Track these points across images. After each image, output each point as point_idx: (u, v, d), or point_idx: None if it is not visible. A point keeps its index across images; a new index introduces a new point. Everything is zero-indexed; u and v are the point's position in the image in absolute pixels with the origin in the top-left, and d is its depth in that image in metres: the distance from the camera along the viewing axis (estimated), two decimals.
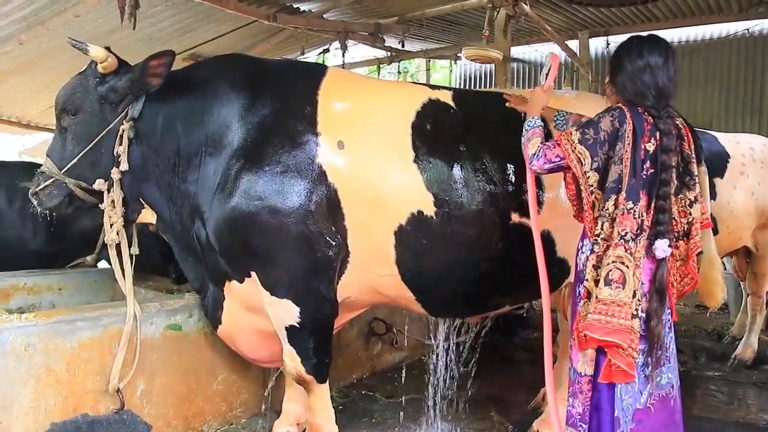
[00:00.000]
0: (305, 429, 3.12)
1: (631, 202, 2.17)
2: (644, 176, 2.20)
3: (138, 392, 2.93)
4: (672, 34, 8.33)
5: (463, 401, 3.65)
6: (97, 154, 2.86)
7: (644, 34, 2.42)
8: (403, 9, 7.30)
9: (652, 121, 2.24)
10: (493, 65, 7.57)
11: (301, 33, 7.14)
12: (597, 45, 8.72)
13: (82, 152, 2.85)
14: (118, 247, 2.92)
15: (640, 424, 2.22)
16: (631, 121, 2.21)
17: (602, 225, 2.21)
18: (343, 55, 7.73)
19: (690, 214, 2.32)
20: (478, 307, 3.19)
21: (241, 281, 2.85)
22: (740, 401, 3.97)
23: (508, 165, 2.85)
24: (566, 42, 7.96)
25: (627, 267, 2.15)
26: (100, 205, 2.91)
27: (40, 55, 5.75)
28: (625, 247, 2.16)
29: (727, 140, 4.60)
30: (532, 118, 2.48)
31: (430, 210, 2.78)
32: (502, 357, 4.71)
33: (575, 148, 2.24)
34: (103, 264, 4.31)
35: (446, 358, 3.60)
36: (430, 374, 3.64)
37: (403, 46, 8.31)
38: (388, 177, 2.78)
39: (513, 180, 2.86)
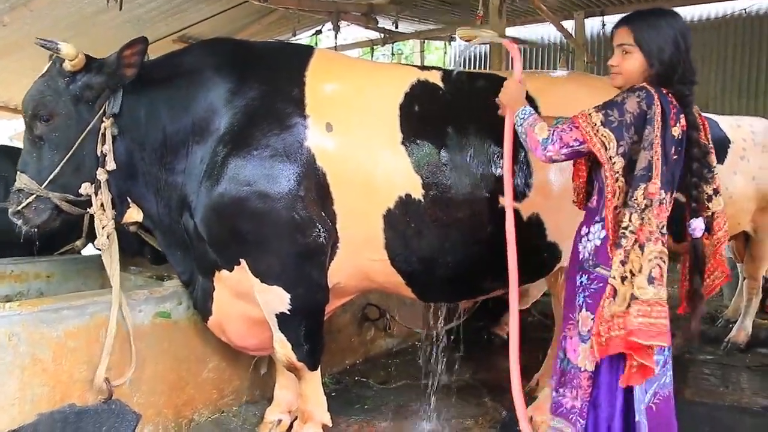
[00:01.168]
0: (297, 416, 3.10)
1: (663, 191, 2.03)
2: (673, 162, 2.08)
3: (127, 381, 2.88)
4: None
5: (456, 387, 3.64)
6: (79, 158, 2.73)
7: (658, 8, 2.24)
8: None
9: (676, 103, 2.10)
10: (488, 46, 7.48)
11: (293, 14, 7.05)
12: (593, 25, 8.64)
13: (64, 160, 2.69)
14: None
15: (649, 423, 2.17)
16: (659, 103, 2.04)
17: (631, 216, 2.03)
18: (336, 37, 7.63)
19: (709, 207, 2.22)
20: (469, 292, 3.17)
21: (230, 269, 2.81)
22: (734, 385, 3.97)
23: (498, 147, 2.76)
24: (562, 22, 7.87)
25: (665, 263, 2.02)
26: (88, 210, 2.79)
27: (24, 37, 5.63)
28: (662, 242, 2.02)
29: (728, 124, 4.52)
30: (521, 109, 2.30)
31: (418, 193, 2.73)
32: (494, 342, 4.69)
33: (598, 130, 2.05)
34: (89, 250, 4.25)
35: (439, 344, 3.58)
36: (423, 360, 3.63)
37: (396, 27, 8.22)
38: (377, 160, 2.73)
39: (502, 162, 2.80)
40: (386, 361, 4.29)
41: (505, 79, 2.50)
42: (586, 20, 8.37)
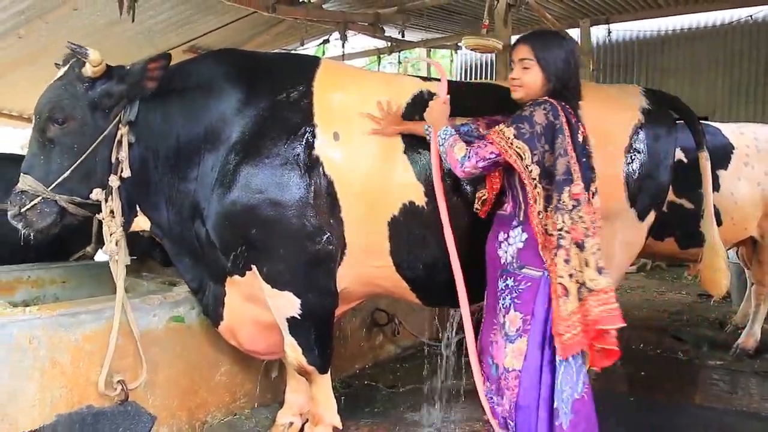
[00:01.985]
0: (308, 419, 3.15)
1: (586, 191, 2.23)
2: (584, 166, 2.28)
3: (142, 384, 2.93)
4: (674, 21, 8.31)
5: (464, 390, 3.67)
6: (90, 163, 2.70)
7: (551, 30, 2.53)
8: None
9: (573, 113, 2.30)
10: (493, 55, 7.55)
11: (301, 24, 7.15)
12: (598, 33, 8.70)
13: (75, 164, 2.66)
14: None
15: (578, 415, 2.25)
16: (563, 114, 2.24)
17: (563, 218, 2.20)
18: (343, 46, 7.72)
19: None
20: (473, 296, 3.20)
21: (242, 275, 2.85)
22: (742, 390, 3.98)
23: None
24: (567, 30, 7.92)
25: (604, 253, 2.21)
26: (97, 216, 2.78)
27: (39, 49, 5.77)
28: (599, 235, 2.21)
29: (731, 131, 4.58)
30: (444, 129, 2.43)
31: (421, 200, 2.79)
32: None
33: (512, 143, 2.22)
34: (101, 256, 4.33)
35: (447, 349, 3.62)
36: (430, 364, 3.66)
37: (403, 36, 8.30)
38: (381, 168, 2.79)
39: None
40: (394, 365, 4.33)
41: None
42: (591, 28, 8.43)
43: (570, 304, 2.17)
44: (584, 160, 2.29)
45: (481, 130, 2.61)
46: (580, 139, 2.28)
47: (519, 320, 2.30)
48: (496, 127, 2.29)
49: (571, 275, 2.18)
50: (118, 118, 2.73)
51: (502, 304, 2.36)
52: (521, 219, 2.35)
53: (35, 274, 3.80)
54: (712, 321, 5.70)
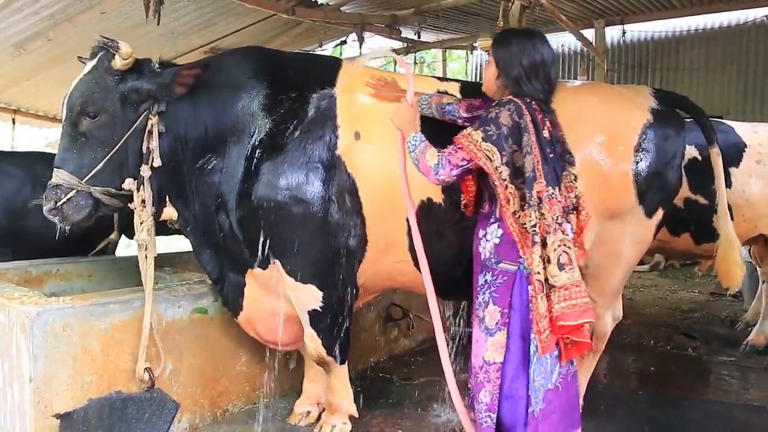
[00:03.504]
0: (325, 408, 3.26)
1: (551, 187, 2.26)
2: (551, 161, 2.32)
3: (167, 372, 3.07)
4: (689, 22, 8.31)
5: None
6: (122, 154, 2.78)
7: (519, 28, 2.54)
8: (419, 0, 7.37)
9: (539, 108, 2.34)
10: None
11: (319, 26, 7.26)
12: (613, 34, 8.71)
13: (107, 156, 2.73)
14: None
15: (550, 405, 2.30)
16: (527, 113, 2.28)
17: (533, 215, 2.25)
18: (360, 47, 7.83)
19: (576, 188, 2.43)
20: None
21: (264, 268, 2.95)
22: (752, 385, 4.03)
23: None
24: (582, 31, 7.96)
25: (569, 248, 2.25)
26: (129, 205, 2.84)
27: (67, 51, 5.93)
28: (561, 230, 2.25)
29: (744, 130, 4.62)
30: (412, 135, 2.42)
31: (438, 197, 2.89)
32: None
33: (480, 146, 2.25)
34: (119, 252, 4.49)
35: (459, 342, 3.71)
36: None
37: (419, 37, 8.39)
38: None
39: None
40: (409, 358, 4.43)
41: None
42: (606, 29, 8.44)
43: (545, 301, 2.24)
44: (551, 155, 2.33)
45: (461, 111, 2.68)
46: (546, 134, 2.32)
47: (498, 314, 2.35)
48: (465, 131, 2.31)
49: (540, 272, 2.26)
50: (148, 110, 2.81)
51: (482, 299, 2.41)
52: (497, 216, 2.39)
53: (64, 267, 3.94)
54: (724, 319, 5.73)
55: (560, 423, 2.34)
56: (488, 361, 2.34)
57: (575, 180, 2.43)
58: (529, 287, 2.28)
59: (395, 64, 9.92)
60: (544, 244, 2.23)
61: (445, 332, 2.58)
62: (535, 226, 2.24)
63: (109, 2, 5.24)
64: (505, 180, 2.28)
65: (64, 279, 3.94)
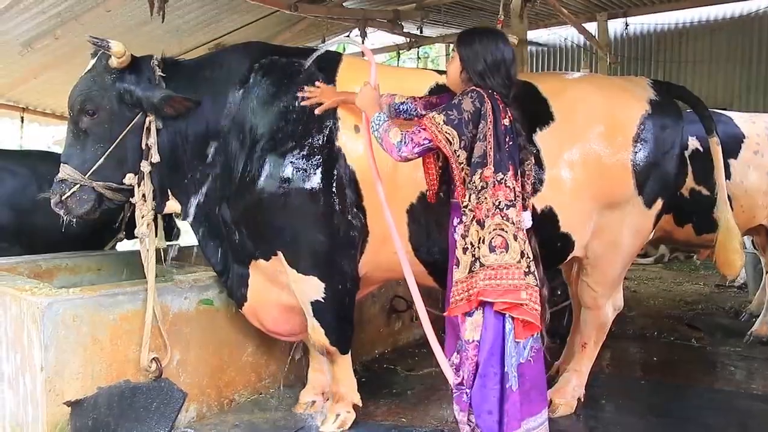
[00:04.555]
0: (329, 398, 3.31)
1: (501, 173, 2.37)
2: (507, 149, 2.42)
3: (174, 362, 3.13)
4: (692, 14, 8.29)
5: None
6: (122, 150, 2.85)
7: (482, 27, 2.67)
8: None
9: (500, 99, 2.44)
10: None
11: (322, 21, 7.29)
12: (615, 27, 8.70)
13: (107, 152, 2.82)
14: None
15: (522, 377, 2.42)
16: (488, 101, 2.40)
17: (469, 197, 2.40)
18: (363, 42, 7.85)
19: (534, 174, 2.60)
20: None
21: (267, 259, 3.00)
22: (754, 375, 4.05)
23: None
24: (584, 24, 7.96)
25: (507, 232, 2.36)
26: (131, 200, 2.94)
27: (74, 49, 6.00)
28: (501, 215, 2.36)
29: (743, 121, 4.63)
30: (376, 114, 2.54)
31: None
32: None
33: (441, 129, 2.37)
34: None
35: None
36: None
37: (421, 32, 8.40)
38: None
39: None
40: (413, 350, 4.48)
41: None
42: (608, 22, 8.45)
43: (460, 273, 2.40)
44: (510, 143, 2.44)
45: (419, 109, 2.76)
46: (507, 122, 2.43)
47: None
48: (429, 114, 2.44)
49: (465, 249, 2.40)
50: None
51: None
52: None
53: (73, 261, 4.00)
54: (728, 310, 5.74)
55: (533, 395, 2.48)
56: (467, 340, 2.44)
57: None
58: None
59: (398, 58, 9.96)
60: (482, 225, 2.36)
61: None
62: (467, 207, 2.40)
63: (115, 0, 5.30)
64: (462, 163, 2.42)
65: (73, 272, 4.00)
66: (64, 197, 2.83)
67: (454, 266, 2.45)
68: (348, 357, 3.21)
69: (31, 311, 2.73)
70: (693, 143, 4.37)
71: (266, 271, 3.06)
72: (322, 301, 2.99)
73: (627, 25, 8.36)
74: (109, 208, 3.06)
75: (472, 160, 2.39)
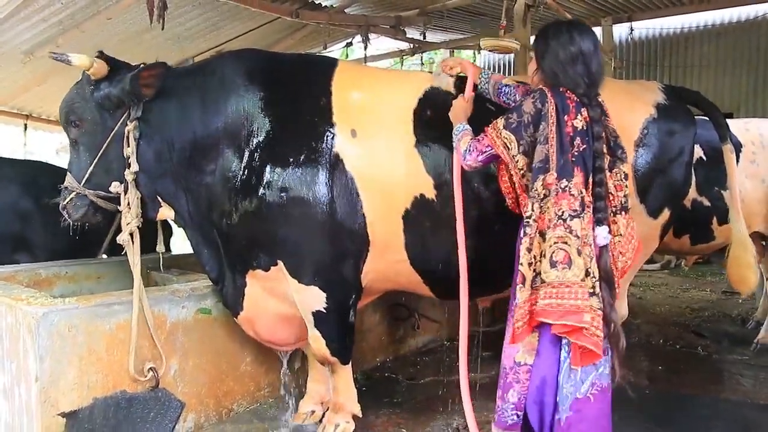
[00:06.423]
0: (329, 408, 3.26)
1: (564, 180, 2.16)
2: (576, 153, 2.20)
3: (172, 372, 3.10)
4: (697, 18, 8.24)
5: (480, 383, 3.74)
6: (107, 159, 2.91)
7: (562, 20, 2.48)
8: (423, 1, 7.38)
9: (575, 98, 2.24)
10: (512, 54, 7.58)
11: (324, 28, 7.29)
12: (620, 31, 8.67)
13: (94, 162, 2.91)
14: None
15: (579, 414, 2.22)
16: (552, 100, 2.21)
17: (532, 206, 2.20)
18: (365, 48, 7.85)
19: (626, 187, 2.33)
20: (485, 288, 3.19)
21: (266, 270, 2.95)
22: (761, 384, 3.97)
23: None
24: None
25: (569, 246, 2.12)
26: (119, 207, 2.98)
27: None
28: (564, 227, 2.13)
29: (737, 128, 4.53)
30: (458, 125, 2.51)
31: (431, 193, 2.86)
32: None
33: (500, 134, 2.27)
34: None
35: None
36: (450, 358, 3.75)
37: (425, 38, 8.39)
38: (395, 163, 2.87)
39: None
40: (414, 358, 4.43)
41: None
42: (613, 26, 8.41)
43: (525, 292, 2.18)
44: (582, 146, 2.21)
45: (517, 96, 2.64)
46: (578, 124, 2.21)
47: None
48: (489, 87, 2.41)
49: (530, 264, 2.19)
50: (125, 116, 2.89)
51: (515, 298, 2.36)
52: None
53: (72, 270, 3.99)
54: (735, 318, 5.67)
55: None
56: (519, 362, 2.30)
57: (626, 177, 2.33)
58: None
59: (402, 64, 9.94)
60: (543, 237, 2.17)
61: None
62: (530, 217, 2.20)
63: (116, 8, 5.31)
64: (522, 169, 2.28)
65: (72, 281, 4.00)
66: (64, 203, 3.00)
67: (518, 284, 2.21)
68: (348, 367, 3.17)
69: (26, 321, 2.71)
70: (697, 151, 4.30)
71: (264, 281, 3.01)
72: (324, 311, 2.95)
73: (632, 29, 8.33)
74: (111, 213, 3.11)
75: (533, 165, 2.20)
